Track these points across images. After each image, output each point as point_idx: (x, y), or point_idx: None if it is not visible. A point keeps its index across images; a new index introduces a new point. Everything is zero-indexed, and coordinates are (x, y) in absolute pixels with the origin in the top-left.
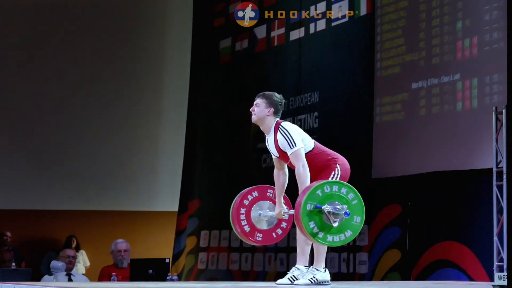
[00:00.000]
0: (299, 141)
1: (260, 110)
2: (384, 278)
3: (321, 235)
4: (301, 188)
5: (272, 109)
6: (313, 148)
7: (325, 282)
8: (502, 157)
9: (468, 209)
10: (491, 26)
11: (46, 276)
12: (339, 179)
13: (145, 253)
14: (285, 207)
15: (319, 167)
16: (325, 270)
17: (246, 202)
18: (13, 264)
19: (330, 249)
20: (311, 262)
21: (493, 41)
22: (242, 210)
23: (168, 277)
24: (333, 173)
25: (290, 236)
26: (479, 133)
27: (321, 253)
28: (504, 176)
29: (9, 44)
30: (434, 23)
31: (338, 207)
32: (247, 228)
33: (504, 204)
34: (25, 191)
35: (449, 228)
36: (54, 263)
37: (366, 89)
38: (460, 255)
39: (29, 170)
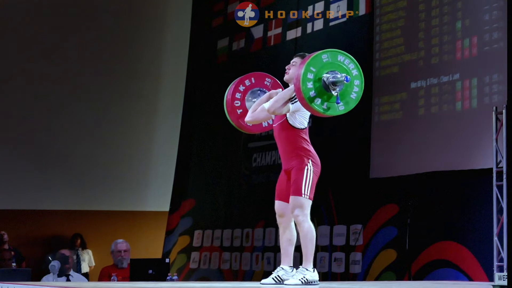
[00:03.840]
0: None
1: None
2: (378, 278)
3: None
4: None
5: None
6: (304, 128)
7: (314, 282)
8: (502, 157)
9: (468, 209)
10: (491, 26)
11: (46, 276)
12: (313, 175)
13: (144, 253)
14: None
15: (293, 147)
16: (314, 270)
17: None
18: (13, 264)
19: (321, 249)
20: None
21: (493, 41)
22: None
23: (168, 277)
24: (306, 168)
25: (277, 236)
26: (479, 133)
27: (310, 253)
28: (504, 176)
29: (9, 46)
30: (434, 23)
31: (338, 75)
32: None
33: (504, 204)
34: (25, 191)
35: (448, 228)
36: (52, 263)
37: (364, 88)
38: (458, 255)
39: (29, 170)
